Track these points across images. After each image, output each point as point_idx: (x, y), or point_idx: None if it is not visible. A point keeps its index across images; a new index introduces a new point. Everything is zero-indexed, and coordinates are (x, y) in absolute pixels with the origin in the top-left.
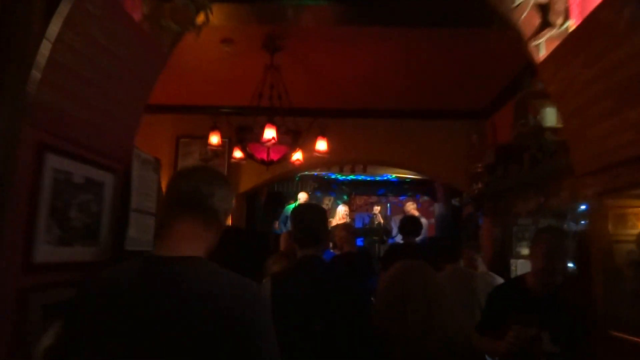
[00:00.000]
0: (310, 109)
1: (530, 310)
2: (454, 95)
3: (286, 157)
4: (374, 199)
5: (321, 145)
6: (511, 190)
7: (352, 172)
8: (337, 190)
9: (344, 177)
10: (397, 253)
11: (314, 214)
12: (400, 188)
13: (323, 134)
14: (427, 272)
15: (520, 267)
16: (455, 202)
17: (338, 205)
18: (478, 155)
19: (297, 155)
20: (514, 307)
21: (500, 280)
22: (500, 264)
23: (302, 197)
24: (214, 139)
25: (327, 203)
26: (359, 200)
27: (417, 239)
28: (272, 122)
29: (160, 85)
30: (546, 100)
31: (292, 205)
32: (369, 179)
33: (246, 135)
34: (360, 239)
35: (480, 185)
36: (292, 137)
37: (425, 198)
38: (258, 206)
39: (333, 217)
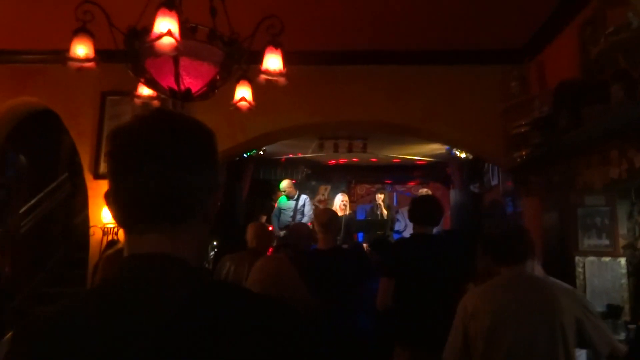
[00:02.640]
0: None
1: None
2: (482, 30)
3: (214, 87)
4: (377, 187)
5: (273, 62)
6: (581, 151)
7: (350, 150)
8: (334, 177)
9: (341, 163)
10: (410, 250)
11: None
12: (408, 174)
13: (277, 44)
14: None
15: (591, 267)
16: (474, 188)
17: (336, 195)
18: (521, 108)
19: (243, 92)
20: None
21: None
22: (557, 264)
23: (285, 185)
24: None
25: (322, 193)
26: (360, 190)
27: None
28: (170, 4)
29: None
30: None
31: (283, 198)
32: (370, 165)
33: (141, 45)
34: (360, 233)
35: (523, 152)
36: (225, 50)
37: (438, 185)
38: (239, 197)
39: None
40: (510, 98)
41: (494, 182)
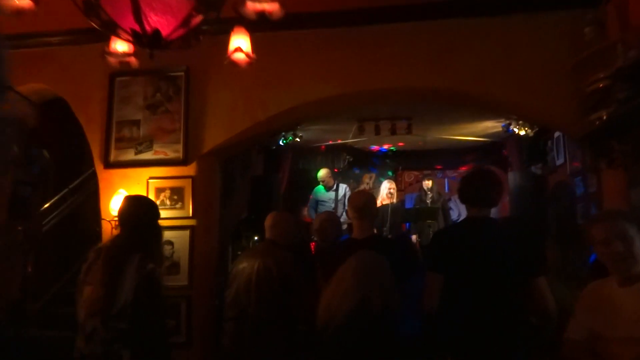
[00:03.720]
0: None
1: None
2: None
3: (196, 30)
4: (425, 174)
5: None
6: None
7: (393, 132)
8: (379, 164)
9: (387, 148)
10: (461, 238)
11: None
12: (459, 158)
13: None
14: None
15: None
16: (536, 169)
17: (381, 182)
18: (598, 58)
19: (239, 42)
20: None
21: None
22: None
23: (323, 174)
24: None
25: (367, 182)
26: (408, 177)
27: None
28: None
29: None
30: None
31: (320, 188)
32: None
33: None
34: (408, 223)
35: (603, 113)
36: None
37: (494, 168)
38: (277, 189)
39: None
40: (584, 48)
41: (559, 162)
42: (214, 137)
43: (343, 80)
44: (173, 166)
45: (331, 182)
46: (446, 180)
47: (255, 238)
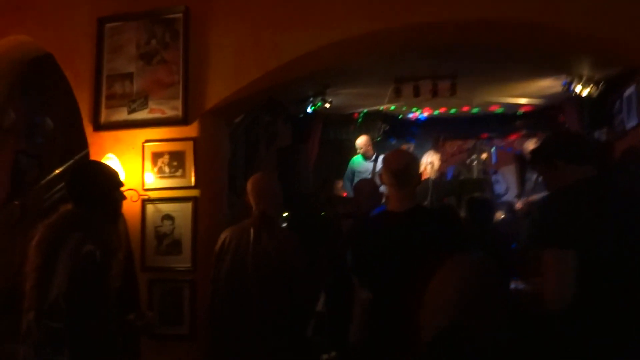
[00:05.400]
0: None
1: None
2: None
3: None
4: (471, 143)
5: None
6: None
7: (435, 94)
8: (418, 133)
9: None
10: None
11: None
12: (509, 125)
13: None
14: None
15: None
16: (600, 135)
17: (420, 155)
18: None
19: None
20: None
21: None
22: None
23: (363, 142)
24: None
25: None
26: (451, 147)
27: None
28: None
29: None
30: None
31: (358, 157)
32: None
33: None
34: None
35: None
36: None
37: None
38: (304, 161)
39: None
40: None
41: (631, 124)
42: (218, 90)
43: (372, 14)
44: (172, 126)
45: (371, 151)
46: (494, 150)
47: (285, 215)
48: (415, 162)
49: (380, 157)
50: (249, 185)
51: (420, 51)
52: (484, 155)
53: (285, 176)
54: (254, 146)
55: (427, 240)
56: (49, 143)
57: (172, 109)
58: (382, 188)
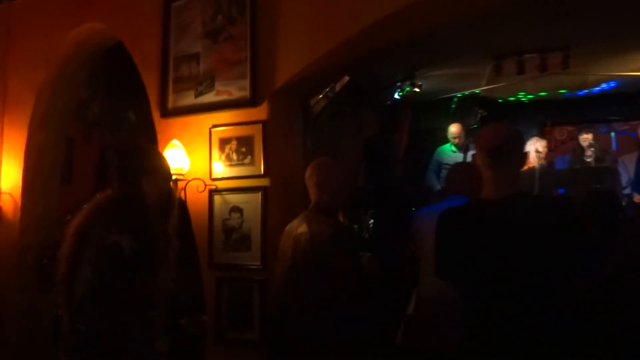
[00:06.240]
0: None
1: None
2: None
3: None
4: (585, 127)
5: None
6: None
7: (543, 69)
8: (521, 118)
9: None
10: None
11: None
12: (632, 105)
13: None
14: None
15: None
16: None
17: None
18: None
19: None
20: None
21: None
22: None
23: (456, 130)
24: None
25: None
26: (559, 134)
27: None
28: None
29: None
30: None
31: (447, 146)
32: (573, 98)
33: None
34: (561, 190)
35: None
36: None
37: None
38: (393, 153)
39: None
40: None
41: None
42: (289, 65)
43: None
44: (239, 108)
45: (462, 140)
46: (613, 135)
47: (373, 211)
48: (517, 137)
49: (471, 147)
50: (307, 173)
51: (522, 20)
52: (602, 142)
53: (372, 168)
54: (336, 133)
55: (532, 234)
56: (131, 136)
57: (239, 90)
58: None
